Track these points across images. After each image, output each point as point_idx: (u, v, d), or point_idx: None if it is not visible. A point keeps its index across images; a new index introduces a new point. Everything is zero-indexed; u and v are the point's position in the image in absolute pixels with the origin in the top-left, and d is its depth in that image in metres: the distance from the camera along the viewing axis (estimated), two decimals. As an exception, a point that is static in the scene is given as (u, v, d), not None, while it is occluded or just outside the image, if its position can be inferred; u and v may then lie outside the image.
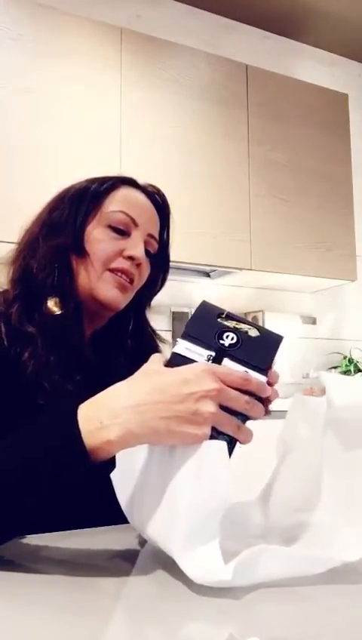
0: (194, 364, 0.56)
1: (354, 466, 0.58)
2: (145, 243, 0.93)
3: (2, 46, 2.30)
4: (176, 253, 1.03)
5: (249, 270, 2.75)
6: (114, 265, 0.89)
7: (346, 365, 3.16)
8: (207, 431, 0.53)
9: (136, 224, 0.91)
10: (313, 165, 2.97)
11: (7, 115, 2.28)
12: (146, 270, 0.94)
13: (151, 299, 1.02)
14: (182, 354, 0.57)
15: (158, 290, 1.02)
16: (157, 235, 0.96)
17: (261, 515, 0.68)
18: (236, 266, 2.73)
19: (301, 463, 0.64)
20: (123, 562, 0.61)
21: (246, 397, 0.55)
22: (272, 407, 0.62)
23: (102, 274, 0.89)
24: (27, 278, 0.87)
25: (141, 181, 0.97)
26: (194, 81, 2.72)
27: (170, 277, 1.03)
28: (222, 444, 0.52)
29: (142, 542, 0.64)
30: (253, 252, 2.75)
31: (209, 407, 0.52)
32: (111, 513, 0.67)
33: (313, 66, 3.51)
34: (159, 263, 0.99)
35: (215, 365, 0.56)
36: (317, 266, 2.92)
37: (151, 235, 0.94)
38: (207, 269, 2.86)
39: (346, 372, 3.14)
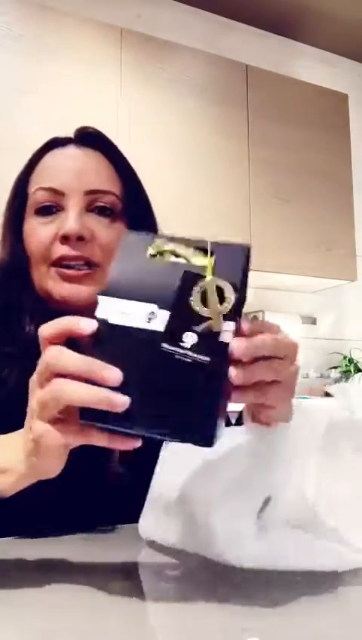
0: None
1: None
2: (90, 203, 0.75)
3: (2, 46, 2.30)
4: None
5: (249, 270, 2.75)
6: (54, 256, 0.73)
7: (346, 365, 3.16)
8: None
9: (61, 193, 0.75)
10: (313, 165, 2.98)
11: (7, 115, 2.28)
12: (107, 235, 0.75)
13: None
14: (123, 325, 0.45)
15: None
16: (108, 186, 0.77)
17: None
18: (236, 266, 2.73)
19: (298, 466, 0.64)
20: (123, 562, 0.61)
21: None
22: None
23: (47, 271, 0.74)
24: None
25: (66, 133, 0.81)
26: (194, 81, 2.72)
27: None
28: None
29: (142, 543, 0.64)
30: (253, 252, 2.74)
31: None
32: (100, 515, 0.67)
33: (313, 66, 3.51)
34: (137, 214, 0.79)
35: None
36: (317, 266, 2.92)
37: (93, 191, 0.75)
38: (207, 269, 2.86)
39: (346, 372, 3.14)
